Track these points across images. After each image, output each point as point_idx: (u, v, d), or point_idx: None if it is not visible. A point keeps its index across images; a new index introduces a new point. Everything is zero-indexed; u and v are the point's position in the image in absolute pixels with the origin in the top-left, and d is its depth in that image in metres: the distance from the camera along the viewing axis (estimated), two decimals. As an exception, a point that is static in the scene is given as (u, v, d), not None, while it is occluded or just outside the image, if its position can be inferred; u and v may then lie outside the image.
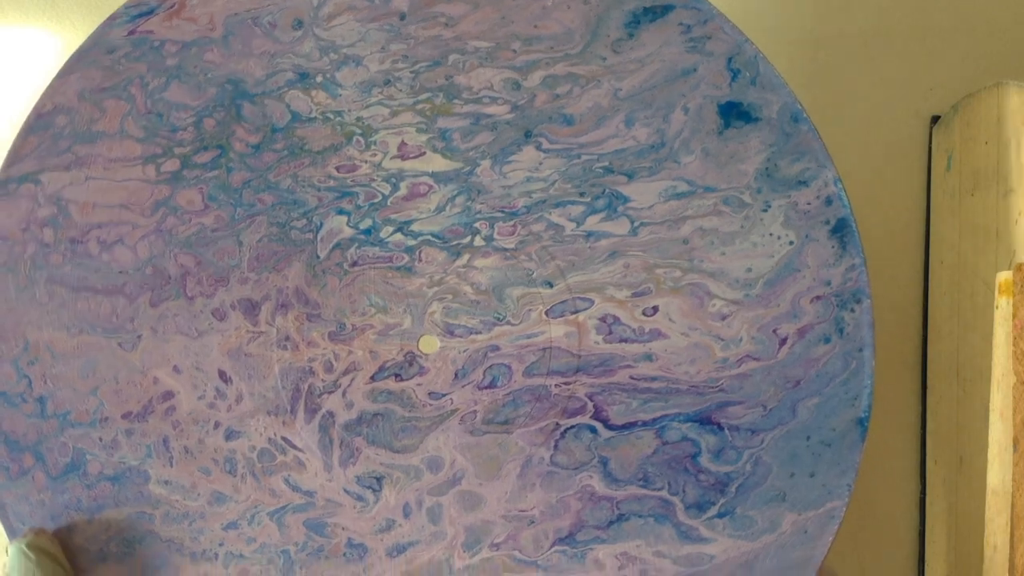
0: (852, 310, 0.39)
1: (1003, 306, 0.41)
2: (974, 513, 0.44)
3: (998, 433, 0.41)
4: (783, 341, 0.39)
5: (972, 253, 0.47)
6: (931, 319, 0.51)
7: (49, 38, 0.52)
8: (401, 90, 0.39)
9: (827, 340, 0.39)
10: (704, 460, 0.39)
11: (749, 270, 0.39)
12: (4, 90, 0.52)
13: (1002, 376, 0.42)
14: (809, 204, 0.39)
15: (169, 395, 0.38)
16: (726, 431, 0.39)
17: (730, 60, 0.40)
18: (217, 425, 0.38)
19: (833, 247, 0.39)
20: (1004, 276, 0.42)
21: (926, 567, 0.50)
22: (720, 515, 0.38)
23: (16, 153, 0.38)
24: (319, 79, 0.39)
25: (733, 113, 0.40)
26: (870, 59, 0.54)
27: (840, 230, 0.39)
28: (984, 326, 0.44)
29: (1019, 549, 0.40)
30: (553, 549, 0.38)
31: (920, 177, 0.53)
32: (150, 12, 0.39)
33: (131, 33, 0.39)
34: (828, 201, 0.39)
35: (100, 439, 0.38)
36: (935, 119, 0.53)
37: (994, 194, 0.45)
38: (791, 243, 0.39)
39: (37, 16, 0.52)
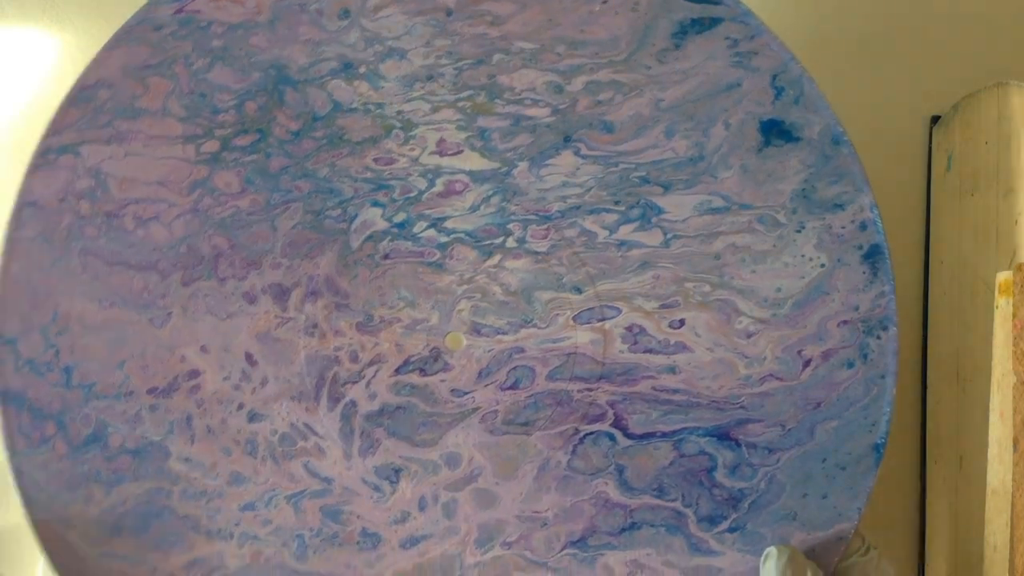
0: (878, 337, 0.39)
1: (1003, 306, 0.42)
2: (974, 513, 0.45)
3: (998, 433, 0.42)
4: (807, 363, 0.39)
5: (972, 253, 0.47)
6: (931, 319, 0.51)
7: (49, 38, 0.52)
8: (443, 86, 0.39)
9: (851, 365, 0.39)
10: (719, 475, 0.39)
11: (779, 290, 0.39)
12: (4, 90, 0.52)
13: (1002, 376, 0.42)
14: (844, 228, 0.40)
15: (195, 374, 0.38)
16: (743, 448, 0.39)
17: (775, 77, 0.40)
18: (241, 407, 0.38)
19: (864, 273, 0.39)
20: (1004, 276, 0.42)
21: (926, 567, 0.51)
22: (731, 530, 0.39)
23: (57, 124, 0.38)
24: (362, 70, 0.39)
25: (774, 131, 0.40)
26: (870, 59, 0.53)
27: (873, 256, 0.40)
28: (984, 326, 0.44)
29: (1019, 549, 0.40)
30: (564, 552, 0.39)
31: (920, 177, 0.53)
32: (199, -9, 0.39)
33: (179, 11, 0.39)
34: (863, 226, 0.40)
35: (124, 412, 0.38)
36: (935, 119, 0.53)
37: (994, 194, 0.45)
38: (823, 266, 0.39)
39: (37, 16, 0.52)
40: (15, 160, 0.51)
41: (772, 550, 0.38)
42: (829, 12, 0.54)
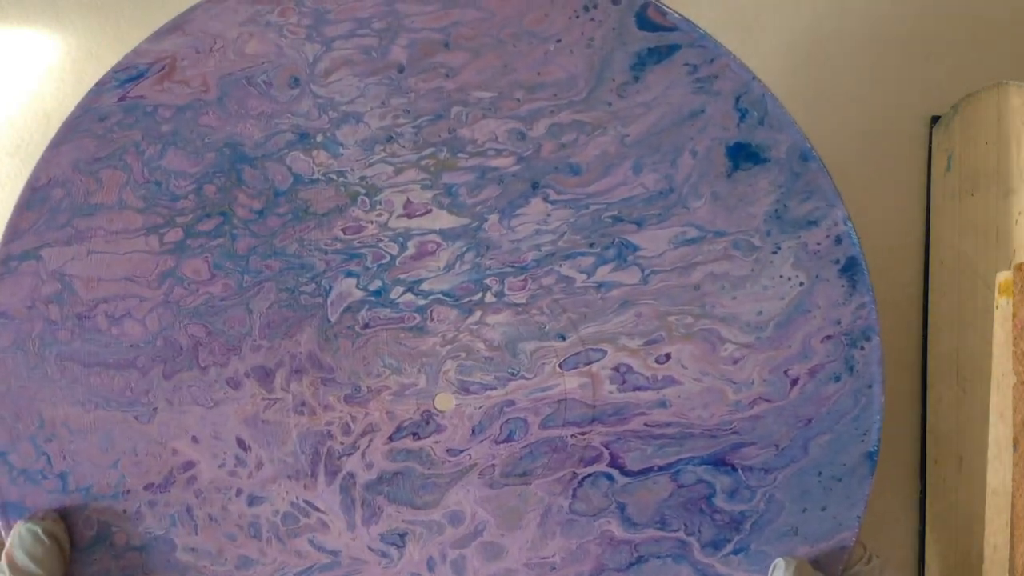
0: (862, 348, 0.40)
1: (1003, 306, 0.43)
2: (974, 513, 0.46)
3: (998, 433, 0.43)
4: (794, 382, 0.40)
5: (972, 253, 0.48)
6: (931, 319, 0.53)
7: (49, 38, 0.52)
8: (404, 146, 0.39)
9: (837, 379, 0.40)
10: (719, 500, 0.40)
11: (760, 313, 0.40)
12: (4, 90, 0.52)
13: (1002, 376, 0.43)
14: (819, 244, 0.40)
15: (190, 465, 0.39)
16: (740, 472, 0.40)
17: (738, 99, 0.40)
18: (239, 492, 0.39)
19: (843, 286, 0.40)
20: (1004, 276, 0.43)
21: (926, 567, 0.53)
22: (735, 552, 0.40)
23: (14, 229, 0.38)
24: (319, 139, 0.39)
25: (742, 154, 0.40)
26: (870, 59, 0.54)
27: (850, 269, 0.40)
28: (984, 326, 0.46)
29: (1019, 549, 0.42)
30: (575, 593, 0.40)
31: (920, 177, 0.54)
32: (140, 76, 0.38)
33: (122, 99, 0.38)
34: (838, 240, 0.40)
35: (124, 511, 0.39)
36: (935, 119, 0.53)
37: (994, 194, 0.46)
38: (801, 284, 0.40)
39: (37, 16, 0.52)
40: (15, 160, 0.52)
41: (779, 561, 0.40)
42: (829, 12, 0.53)
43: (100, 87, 0.38)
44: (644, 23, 0.39)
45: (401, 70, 0.39)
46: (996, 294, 0.43)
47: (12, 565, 0.37)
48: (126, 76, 0.38)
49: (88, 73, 0.52)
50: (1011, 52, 0.54)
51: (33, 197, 0.38)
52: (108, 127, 0.38)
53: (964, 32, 0.54)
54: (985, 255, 0.47)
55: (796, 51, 0.54)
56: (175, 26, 0.38)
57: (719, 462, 0.41)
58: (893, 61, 0.54)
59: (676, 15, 0.40)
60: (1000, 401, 0.43)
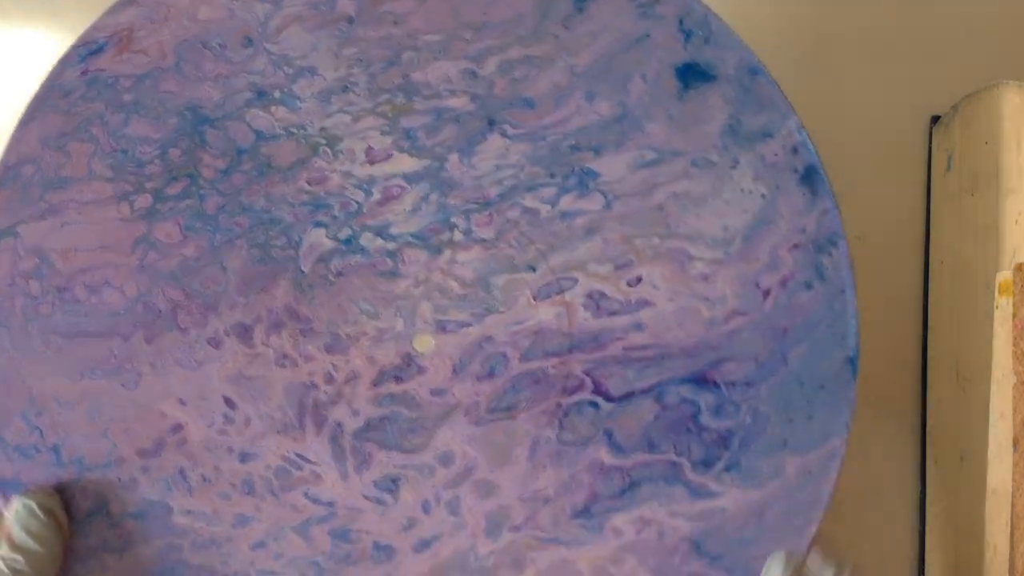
0: (830, 254, 0.41)
1: (1003, 306, 0.43)
2: (974, 513, 0.46)
3: (998, 433, 0.43)
4: (766, 293, 0.41)
5: (972, 253, 0.48)
6: (931, 319, 0.53)
7: (49, 38, 0.53)
8: (360, 95, 0.40)
9: (809, 286, 0.41)
10: (705, 418, 0.41)
11: (725, 228, 0.41)
12: (4, 90, 0.53)
13: (1002, 376, 0.43)
14: (776, 155, 0.41)
15: (179, 427, 0.40)
16: (722, 388, 0.41)
17: (681, 21, 0.41)
18: (230, 450, 0.40)
19: (804, 195, 0.41)
20: (1004, 276, 0.43)
21: (926, 567, 0.53)
22: (727, 469, 0.41)
23: (-12, 210, 0.39)
24: (277, 95, 0.40)
25: (691, 74, 0.41)
26: (870, 59, 0.55)
27: (809, 177, 0.41)
28: (984, 326, 0.46)
29: (1019, 549, 0.42)
30: (572, 523, 0.40)
31: (920, 177, 0.54)
32: (100, 50, 0.39)
33: (84, 73, 0.39)
34: (794, 150, 0.41)
35: (118, 479, 0.39)
36: (935, 119, 0.54)
37: (994, 194, 0.46)
38: (763, 196, 0.41)
39: (37, 16, 0.53)
40: None
41: (777, 554, 0.39)
42: (829, 12, 0.54)
43: (63, 64, 0.39)
44: (583, -44, 0.41)
45: (351, 21, 0.40)
46: (996, 294, 0.43)
47: (10, 541, 0.37)
48: (86, 51, 0.39)
49: None
50: (1011, 52, 0.54)
51: (5, 176, 0.39)
52: (72, 101, 0.39)
53: (964, 32, 0.55)
54: (985, 255, 0.47)
55: (796, 51, 0.55)
56: (129, -1, 0.40)
57: (701, 380, 0.41)
58: (893, 61, 0.55)
59: (614, -54, 0.41)
60: (1000, 401, 0.43)
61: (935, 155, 0.53)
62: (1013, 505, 0.42)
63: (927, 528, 0.53)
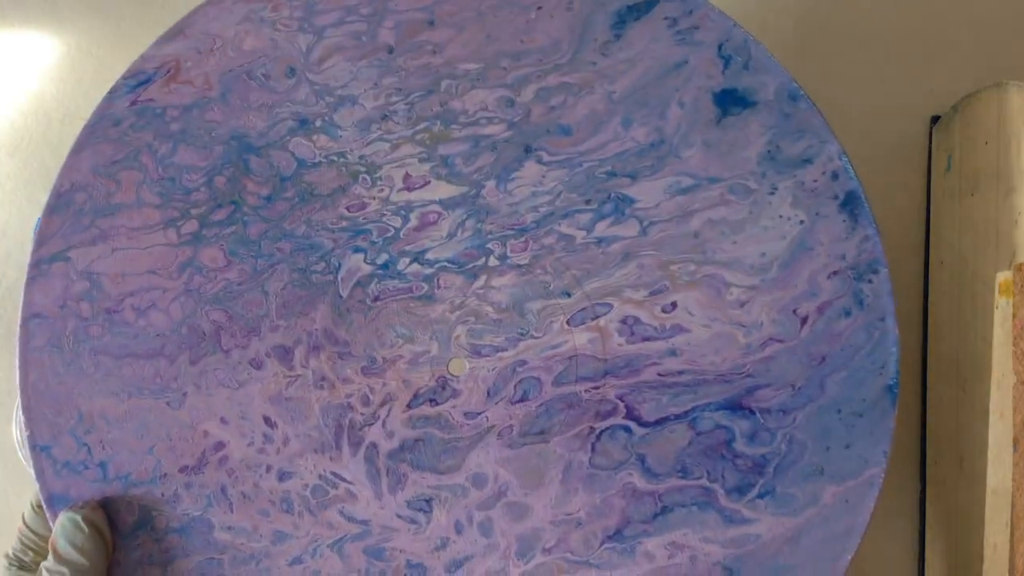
0: (870, 281, 0.41)
1: (1003, 306, 0.42)
2: (974, 513, 0.46)
3: (998, 433, 0.43)
4: (804, 320, 0.41)
5: (972, 253, 0.48)
6: (931, 319, 0.52)
7: (49, 38, 0.54)
8: (399, 123, 0.41)
9: (848, 313, 0.40)
10: (739, 445, 0.41)
11: (763, 254, 0.41)
12: (4, 90, 0.54)
13: (1002, 376, 0.43)
14: (816, 181, 0.41)
15: (220, 445, 0.41)
16: (758, 414, 0.40)
17: (720, 47, 0.41)
18: (269, 468, 0.41)
19: (844, 221, 0.41)
20: (1004, 276, 0.42)
21: (926, 567, 0.52)
22: (761, 495, 0.40)
23: (43, 234, 0.41)
24: (318, 123, 0.41)
25: (729, 100, 0.41)
26: (870, 59, 0.54)
27: (850, 203, 0.41)
28: (984, 326, 0.46)
29: (1019, 549, 0.41)
30: (603, 547, 0.41)
31: (920, 177, 0.54)
32: (148, 81, 0.41)
33: (133, 104, 0.41)
34: (835, 176, 0.41)
35: (162, 495, 0.41)
36: (935, 119, 0.54)
37: (994, 194, 0.46)
38: (801, 222, 0.41)
39: (37, 16, 0.54)
40: (15, 160, 0.54)
41: None
42: (829, 12, 0.54)
43: (112, 94, 0.41)
44: (620, -18, 0.41)
45: (390, 51, 0.41)
46: (996, 294, 0.43)
47: (56, 554, 0.39)
48: (135, 82, 0.41)
49: (88, 73, 0.54)
50: (1011, 52, 0.54)
51: (58, 202, 0.41)
52: (122, 131, 0.41)
53: (964, 32, 0.54)
54: (985, 255, 0.46)
55: (796, 51, 0.54)
56: (177, 31, 0.41)
57: (736, 406, 0.41)
58: (893, 61, 0.54)
59: (651, -28, 0.41)
60: (1000, 401, 0.43)
61: (935, 155, 0.53)
62: (1013, 505, 0.41)
63: (927, 528, 0.52)
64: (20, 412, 0.49)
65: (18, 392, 0.41)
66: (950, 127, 0.51)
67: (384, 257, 0.41)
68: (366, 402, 0.41)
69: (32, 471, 0.41)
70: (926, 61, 0.54)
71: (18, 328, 0.41)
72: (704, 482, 0.41)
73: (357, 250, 0.41)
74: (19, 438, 0.51)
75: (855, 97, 0.54)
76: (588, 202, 0.41)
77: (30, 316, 0.41)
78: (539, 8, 0.41)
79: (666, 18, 0.41)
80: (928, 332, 0.52)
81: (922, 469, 0.53)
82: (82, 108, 0.54)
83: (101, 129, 0.41)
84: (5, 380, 0.54)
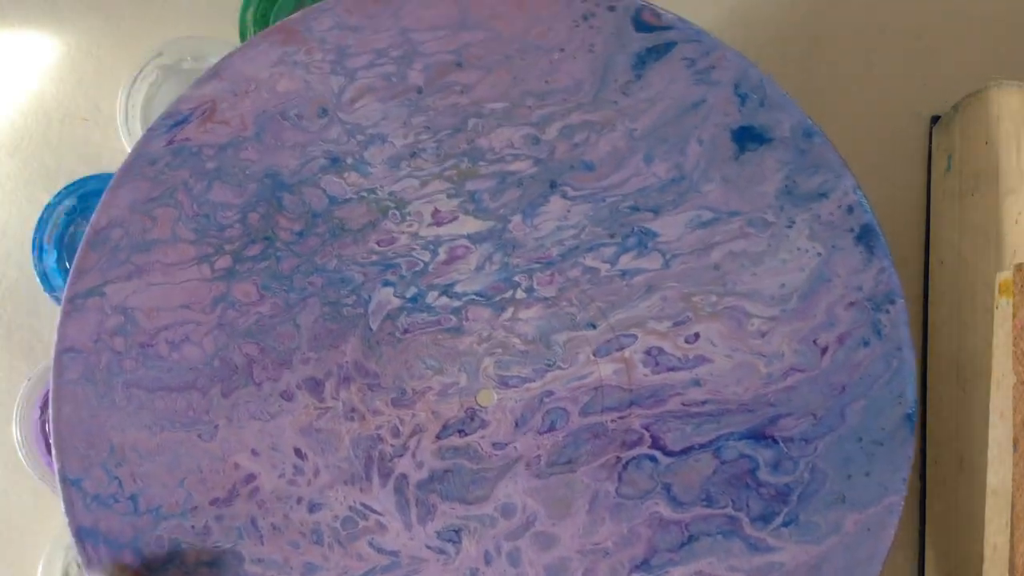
0: (887, 311, 0.42)
1: (1003, 306, 0.43)
2: (974, 513, 0.46)
3: (998, 433, 0.43)
4: (824, 350, 0.42)
5: (972, 253, 0.49)
6: (931, 319, 0.53)
7: (49, 38, 0.54)
8: (428, 160, 0.42)
9: (866, 343, 0.42)
10: (763, 474, 0.41)
11: (782, 286, 0.42)
12: (4, 90, 0.54)
13: (1002, 376, 0.43)
14: (832, 215, 0.42)
15: (251, 477, 0.41)
16: (780, 443, 0.41)
17: (737, 86, 0.42)
18: (299, 500, 0.41)
19: (861, 253, 0.42)
20: (1004, 276, 0.43)
21: (926, 567, 0.52)
22: (785, 524, 0.41)
23: (79, 269, 0.42)
24: (349, 161, 0.42)
25: (747, 137, 0.42)
26: (870, 59, 0.56)
27: (866, 236, 0.42)
28: (984, 326, 0.46)
29: (1019, 549, 0.41)
30: (630, 576, 0.41)
31: (920, 177, 0.55)
32: (185, 121, 0.42)
33: (170, 143, 0.42)
34: (850, 209, 0.42)
35: (192, 527, 0.41)
36: (935, 119, 0.55)
37: (994, 194, 0.47)
38: (819, 255, 0.42)
39: (37, 16, 0.54)
40: (15, 160, 0.54)
41: None
42: (828, 11, 0.56)
43: (149, 134, 0.42)
44: (641, 25, 0.43)
45: (419, 91, 0.43)
46: (996, 294, 0.44)
47: None
48: (172, 122, 0.42)
49: (88, 73, 0.54)
50: (1011, 52, 0.55)
51: (95, 238, 0.42)
52: (159, 169, 0.42)
53: (964, 32, 0.55)
54: (985, 255, 0.47)
55: (796, 51, 0.56)
56: (214, 73, 0.42)
57: (759, 435, 0.42)
58: (893, 61, 0.56)
59: (670, 15, 0.43)
60: (1000, 401, 0.43)
61: (935, 155, 0.53)
62: (1013, 505, 0.42)
63: (927, 528, 0.52)
64: (20, 412, 0.49)
65: (50, 423, 0.42)
66: (950, 127, 0.52)
67: (413, 290, 0.42)
68: (396, 433, 0.42)
69: (58, 497, 0.41)
70: (926, 61, 0.55)
71: (51, 361, 0.42)
72: (729, 511, 0.42)
73: (387, 284, 0.42)
74: (19, 438, 0.51)
75: (855, 97, 0.55)
76: (612, 236, 0.42)
77: (64, 350, 0.42)
78: (562, 50, 0.43)
79: (684, 59, 0.43)
80: (928, 332, 0.53)
81: (922, 469, 0.53)
82: (82, 108, 0.54)
83: (138, 167, 0.42)
84: (5, 380, 0.54)
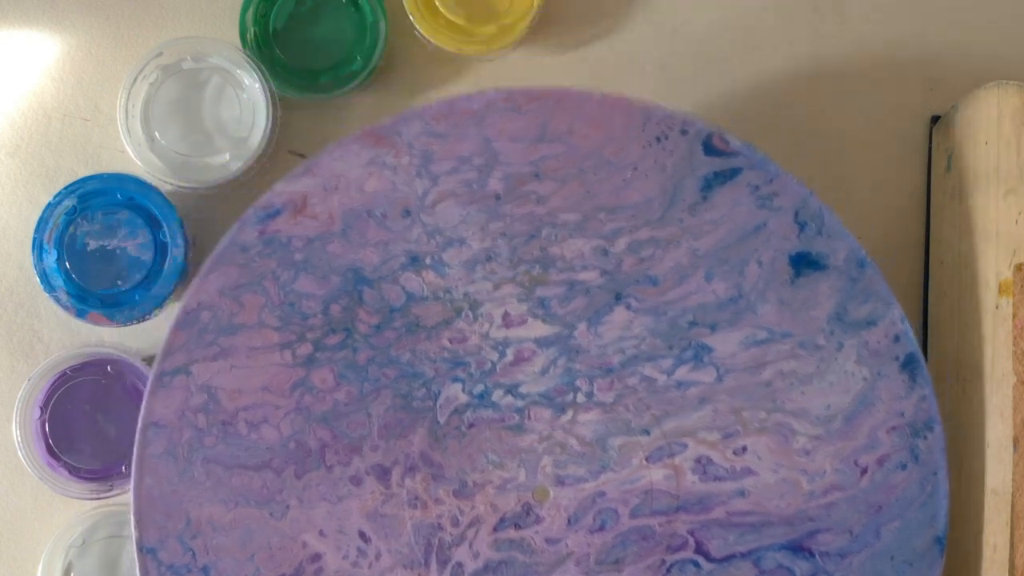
0: (925, 437, 0.44)
1: (1003, 306, 0.44)
2: (974, 513, 0.47)
3: (997, 433, 0.44)
4: (864, 471, 0.44)
5: (972, 253, 0.48)
6: (931, 319, 0.53)
7: (49, 38, 0.54)
8: (501, 264, 0.45)
9: (904, 467, 0.44)
10: (799, 584, 0.44)
11: (828, 407, 0.44)
12: (4, 90, 0.54)
13: (1001, 376, 0.45)
14: (879, 342, 0.45)
15: (317, 557, 0.44)
16: (817, 557, 0.44)
17: (796, 213, 0.45)
18: (361, 580, 0.44)
19: (904, 380, 0.44)
20: (1004, 276, 0.44)
21: None
22: (817, 633, 0.43)
23: (169, 348, 0.44)
24: (428, 261, 0.45)
25: (803, 263, 0.45)
26: (870, 59, 0.55)
27: (909, 365, 0.45)
28: (984, 326, 0.47)
29: (1019, 549, 0.43)
30: (668, 674, 0.43)
31: (920, 177, 0.55)
32: (276, 213, 0.45)
33: (261, 233, 0.45)
34: (896, 338, 0.45)
35: (259, 599, 0.44)
36: (935, 119, 0.54)
37: (994, 194, 0.47)
38: (865, 379, 0.44)
39: (37, 16, 0.54)
40: (15, 160, 0.54)
41: None
42: (828, 11, 0.56)
43: (242, 223, 0.45)
44: (710, 150, 0.45)
45: (498, 198, 0.45)
46: (996, 294, 0.45)
47: None
48: (264, 213, 0.45)
49: (88, 73, 0.53)
50: (1011, 52, 0.55)
51: (185, 319, 0.44)
52: (249, 257, 0.45)
53: (964, 32, 0.55)
54: (985, 255, 0.47)
55: (796, 51, 0.55)
56: (306, 169, 0.45)
57: (797, 548, 0.44)
58: (893, 61, 0.55)
59: (738, 142, 0.45)
60: (999, 401, 0.44)
61: (935, 155, 0.53)
62: (1013, 505, 0.43)
63: None
64: (20, 412, 0.49)
65: (130, 495, 0.44)
66: (950, 127, 0.52)
67: (480, 388, 0.45)
68: (455, 523, 0.44)
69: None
70: (926, 61, 0.55)
71: (137, 435, 0.44)
72: (765, 617, 0.44)
73: (456, 380, 0.45)
74: (19, 438, 0.51)
75: (855, 97, 0.55)
76: (670, 348, 0.45)
77: (149, 424, 0.44)
78: (635, 168, 0.45)
79: (749, 184, 0.45)
80: (928, 332, 0.53)
81: (922, 469, 0.52)
82: (82, 108, 0.54)
83: (230, 254, 0.45)
84: (5, 380, 0.54)
